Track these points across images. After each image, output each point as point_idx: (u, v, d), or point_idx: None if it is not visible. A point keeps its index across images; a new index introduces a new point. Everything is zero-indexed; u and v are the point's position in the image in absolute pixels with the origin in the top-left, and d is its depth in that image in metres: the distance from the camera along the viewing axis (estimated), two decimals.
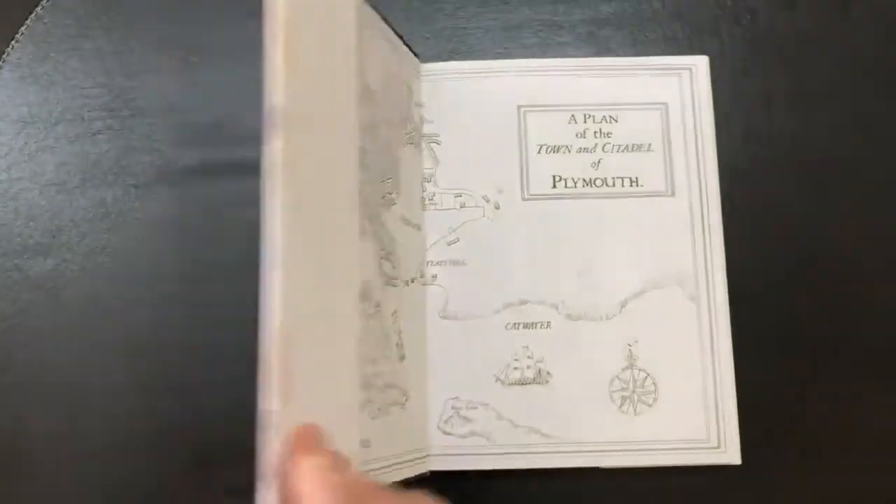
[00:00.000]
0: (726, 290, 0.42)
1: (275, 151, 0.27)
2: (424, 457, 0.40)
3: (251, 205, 0.29)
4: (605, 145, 0.44)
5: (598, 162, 0.44)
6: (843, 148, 0.46)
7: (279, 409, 0.26)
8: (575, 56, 0.46)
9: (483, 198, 0.43)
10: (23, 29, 0.48)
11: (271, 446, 0.25)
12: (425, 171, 0.43)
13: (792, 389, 0.43)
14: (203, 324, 0.43)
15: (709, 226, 0.43)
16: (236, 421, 0.37)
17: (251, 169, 0.29)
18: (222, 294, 0.43)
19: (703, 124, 0.44)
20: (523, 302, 0.42)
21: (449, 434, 0.41)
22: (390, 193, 0.39)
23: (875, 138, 0.46)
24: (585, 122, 0.44)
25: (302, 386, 0.28)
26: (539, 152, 0.44)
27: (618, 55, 0.46)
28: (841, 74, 0.47)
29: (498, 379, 0.41)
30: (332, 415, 0.30)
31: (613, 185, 0.44)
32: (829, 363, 0.44)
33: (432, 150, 0.44)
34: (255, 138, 0.29)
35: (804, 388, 0.43)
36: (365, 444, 0.33)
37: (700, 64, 0.45)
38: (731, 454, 0.41)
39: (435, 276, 0.42)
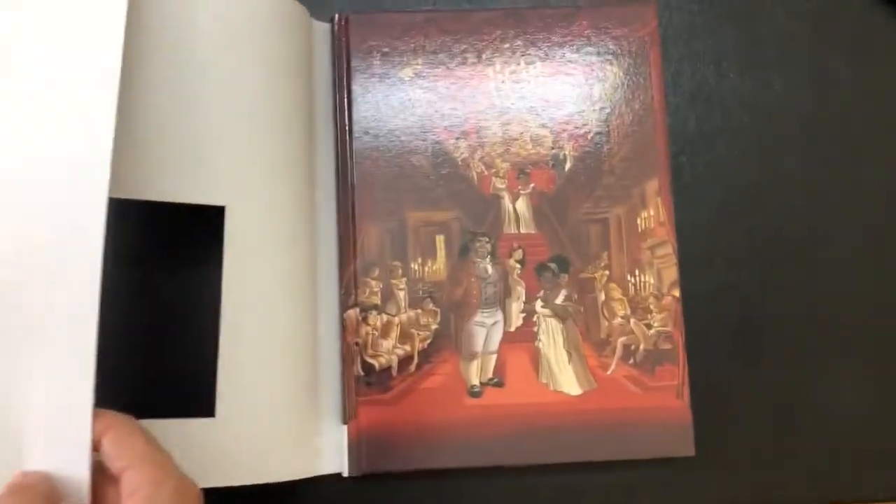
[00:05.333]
0: None
1: None
2: None
3: None
4: None
5: None
6: (799, 111, 0.50)
7: None
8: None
9: None
10: None
11: None
12: None
13: (742, 375, 0.47)
14: None
15: None
16: None
17: None
18: None
19: None
20: None
21: None
22: None
23: (834, 100, 0.50)
24: None
25: None
26: None
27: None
28: (797, 29, 0.51)
29: None
30: None
31: None
32: (777, 345, 0.48)
33: None
34: None
35: (753, 374, 0.47)
36: None
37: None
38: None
39: None
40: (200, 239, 0.40)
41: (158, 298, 0.40)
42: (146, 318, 0.40)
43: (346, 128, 0.47)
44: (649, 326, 0.46)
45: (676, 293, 0.47)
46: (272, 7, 0.44)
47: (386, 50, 0.48)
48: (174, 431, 0.37)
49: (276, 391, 0.41)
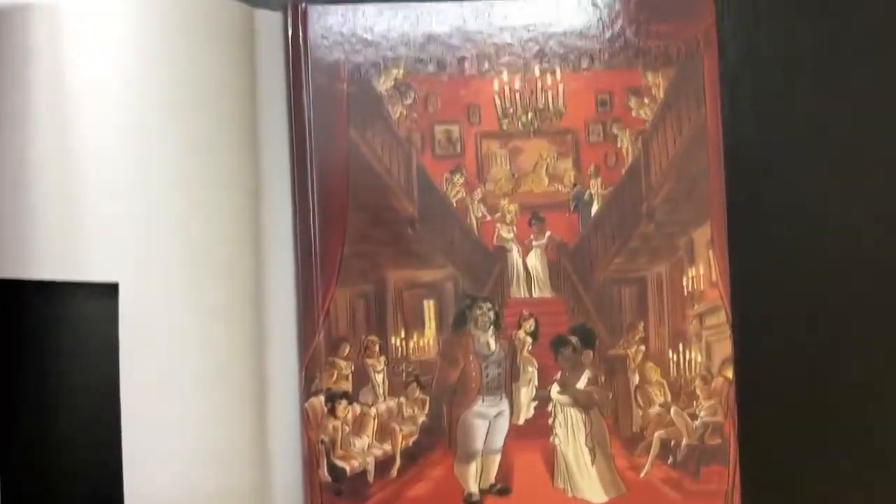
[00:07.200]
0: None
1: None
2: None
3: None
4: None
5: None
6: (880, 130, 0.41)
7: None
8: None
9: None
10: None
11: None
12: None
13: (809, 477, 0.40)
14: None
15: None
16: None
17: None
18: None
19: None
20: None
21: None
22: None
23: None
24: None
25: None
26: None
27: None
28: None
29: None
30: None
31: None
32: (853, 441, 0.40)
33: None
34: None
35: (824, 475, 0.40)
36: None
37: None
38: None
39: None
40: (92, 323, 0.35)
41: (53, 391, 0.36)
42: (40, 411, 0.36)
43: (306, 158, 0.37)
44: (694, 416, 0.38)
45: (729, 374, 0.38)
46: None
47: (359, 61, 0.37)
48: None
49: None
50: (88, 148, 0.34)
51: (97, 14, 0.35)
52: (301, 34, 0.38)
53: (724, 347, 0.39)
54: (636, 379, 0.38)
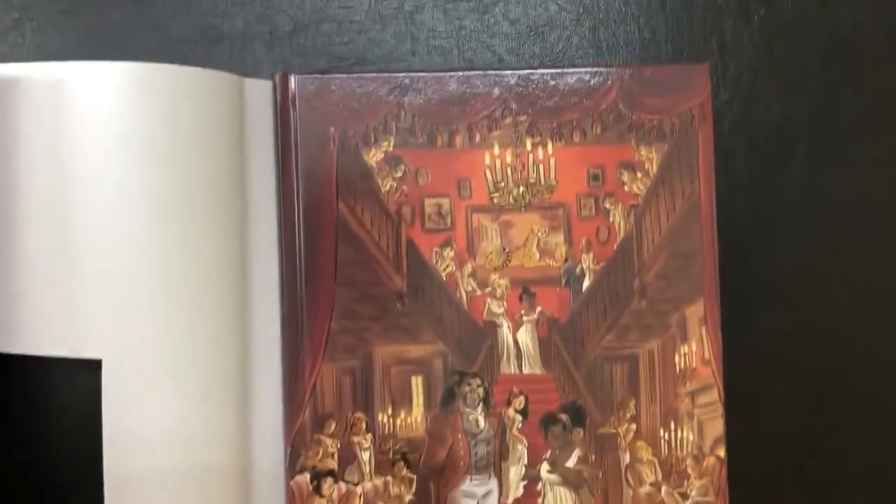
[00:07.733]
0: None
1: None
2: None
3: None
4: None
5: None
6: (879, 211, 0.40)
7: None
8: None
9: None
10: None
11: None
12: None
13: None
14: None
15: None
16: None
17: None
18: None
19: None
20: None
21: None
22: None
23: None
24: None
25: None
26: None
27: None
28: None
29: None
30: None
31: None
32: None
33: None
34: None
35: None
36: None
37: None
38: None
39: None
40: (74, 398, 0.36)
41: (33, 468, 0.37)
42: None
43: (294, 232, 0.37)
44: (685, 496, 0.38)
45: (721, 453, 0.37)
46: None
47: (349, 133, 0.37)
48: None
49: None
50: (83, 231, 0.34)
51: (91, 85, 0.34)
52: (291, 104, 0.37)
53: (717, 426, 0.38)
54: (627, 457, 0.38)
